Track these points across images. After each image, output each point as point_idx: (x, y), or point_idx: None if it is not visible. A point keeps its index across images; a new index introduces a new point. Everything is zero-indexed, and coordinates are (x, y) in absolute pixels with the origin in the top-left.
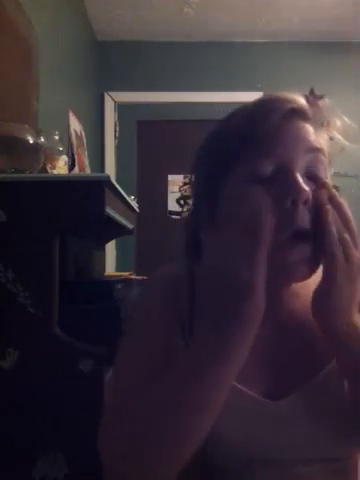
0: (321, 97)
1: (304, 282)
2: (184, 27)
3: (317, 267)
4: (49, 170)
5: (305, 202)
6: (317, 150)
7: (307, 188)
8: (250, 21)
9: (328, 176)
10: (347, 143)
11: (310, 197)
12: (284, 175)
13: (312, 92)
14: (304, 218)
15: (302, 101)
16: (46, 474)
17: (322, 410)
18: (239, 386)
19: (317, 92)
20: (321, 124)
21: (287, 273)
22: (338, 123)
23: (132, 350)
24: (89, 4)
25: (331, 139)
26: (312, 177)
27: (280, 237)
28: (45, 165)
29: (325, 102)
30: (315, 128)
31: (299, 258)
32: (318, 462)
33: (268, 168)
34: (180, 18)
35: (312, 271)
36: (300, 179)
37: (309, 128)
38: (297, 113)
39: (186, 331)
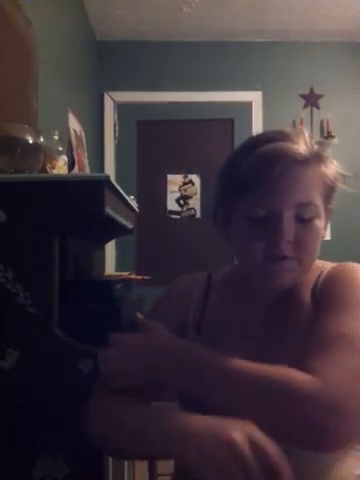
0: (320, 97)
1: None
2: (184, 27)
3: (293, 276)
4: (49, 170)
5: (287, 241)
6: (305, 205)
7: (290, 234)
8: (249, 21)
9: (321, 212)
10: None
11: (292, 238)
12: (274, 219)
13: (312, 92)
14: (285, 250)
15: (302, 151)
16: (46, 474)
17: None
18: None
19: (316, 92)
20: (322, 160)
21: (272, 279)
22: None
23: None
24: (89, 4)
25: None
26: (300, 219)
27: (266, 257)
28: (45, 165)
29: (328, 142)
30: (314, 167)
31: (280, 268)
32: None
33: (261, 212)
34: (180, 18)
35: (290, 277)
36: (287, 225)
37: (305, 176)
38: (296, 162)
39: (194, 329)
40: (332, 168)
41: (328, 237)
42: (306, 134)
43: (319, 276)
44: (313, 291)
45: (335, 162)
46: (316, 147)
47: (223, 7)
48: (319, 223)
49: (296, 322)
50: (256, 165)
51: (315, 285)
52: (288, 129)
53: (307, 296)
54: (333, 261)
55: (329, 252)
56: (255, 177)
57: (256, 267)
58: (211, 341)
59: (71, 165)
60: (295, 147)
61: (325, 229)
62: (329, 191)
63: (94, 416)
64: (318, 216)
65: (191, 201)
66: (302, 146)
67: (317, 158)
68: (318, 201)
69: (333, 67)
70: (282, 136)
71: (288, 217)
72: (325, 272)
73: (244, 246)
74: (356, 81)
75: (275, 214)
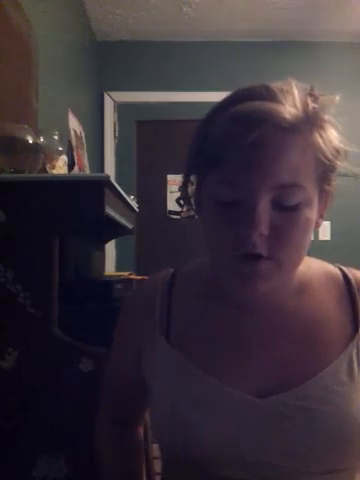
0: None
1: (310, 273)
2: (183, 27)
3: (271, 284)
4: (48, 170)
5: (260, 234)
6: (288, 187)
7: (265, 225)
8: (249, 21)
9: (311, 196)
10: (343, 145)
11: (266, 231)
12: (245, 205)
13: (312, 91)
14: (258, 245)
15: (288, 114)
16: (46, 474)
17: (315, 412)
18: (225, 387)
19: (316, 92)
20: (315, 127)
21: (243, 284)
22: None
23: (110, 367)
24: (88, 4)
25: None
26: (281, 205)
27: (235, 253)
28: (44, 165)
29: (329, 98)
30: (305, 136)
31: (252, 272)
32: (316, 474)
33: (231, 195)
34: (179, 18)
35: (265, 286)
36: (261, 212)
37: (290, 149)
38: (279, 129)
39: (161, 330)
40: (331, 137)
41: (328, 237)
42: (296, 90)
43: (347, 280)
44: (350, 296)
45: (334, 131)
46: (311, 107)
47: (223, 7)
48: (308, 212)
49: (328, 346)
50: (225, 130)
51: (350, 290)
52: (275, 83)
53: (335, 305)
54: (333, 262)
55: (329, 252)
56: (224, 146)
57: (227, 265)
58: (184, 353)
59: (71, 165)
60: (280, 108)
61: (322, 217)
62: (325, 168)
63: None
64: (307, 202)
65: (191, 201)
66: (289, 107)
67: (310, 123)
68: (307, 182)
69: (333, 67)
70: (265, 93)
71: (264, 202)
72: (350, 276)
73: (211, 236)
74: (356, 81)
75: (247, 197)
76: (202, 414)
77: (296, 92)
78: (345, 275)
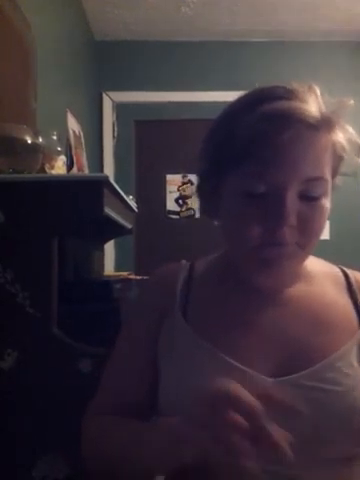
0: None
1: (313, 267)
2: (182, 26)
3: (294, 267)
4: (47, 170)
5: (290, 226)
6: (314, 180)
7: (294, 217)
8: (248, 21)
9: (329, 188)
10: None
11: (295, 222)
12: (275, 198)
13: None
14: (287, 235)
15: (315, 113)
16: (46, 474)
17: (329, 393)
18: (242, 367)
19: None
20: (335, 124)
21: (268, 269)
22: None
23: (119, 350)
24: (87, 4)
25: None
26: (306, 197)
27: (263, 242)
28: (43, 165)
29: (345, 100)
30: (325, 133)
31: (278, 256)
32: (330, 461)
33: (261, 188)
34: (178, 18)
35: (290, 269)
36: (290, 206)
37: (316, 145)
38: (308, 127)
39: (180, 311)
40: (345, 135)
41: (327, 236)
42: (318, 92)
43: (347, 279)
44: (350, 292)
45: (349, 128)
46: (327, 109)
47: (221, 7)
48: (326, 202)
49: (337, 324)
50: (259, 128)
51: (350, 288)
52: (296, 84)
53: (339, 296)
54: (333, 261)
55: (328, 252)
56: (257, 143)
57: (249, 254)
58: (200, 331)
59: (70, 165)
60: (307, 108)
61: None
62: (337, 162)
63: (93, 439)
64: (326, 193)
65: (190, 201)
66: (314, 107)
67: (328, 122)
68: (328, 176)
69: (332, 67)
70: (287, 93)
71: (292, 195)
72: (350, 275)
73: (236, 228)
74: (356, 80)
75: (277, 191)
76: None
77: (318, 92)
78: (344, 272)
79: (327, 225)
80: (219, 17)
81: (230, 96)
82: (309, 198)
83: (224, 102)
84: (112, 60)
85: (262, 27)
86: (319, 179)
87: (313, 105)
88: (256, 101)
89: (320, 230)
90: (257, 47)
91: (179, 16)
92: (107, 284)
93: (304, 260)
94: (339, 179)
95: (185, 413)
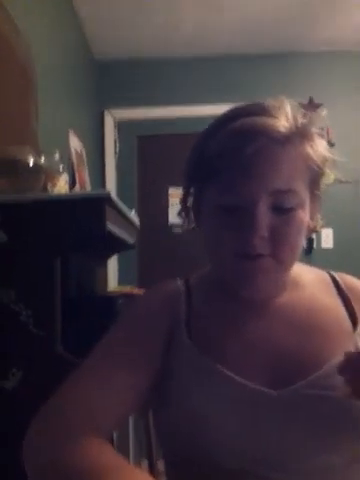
0: (319, 106)
1: (301, 274)
2: (181, 44)
3: (270, 279)
4: (50, 189)
5: (261, 237)
6: (284, 192)
7: (264, 228)
8: (246, 36)
9: (304, 200)
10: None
11: (266, 233)
12: (245, 211)
13: (311, 101)
14: (259, 247)
15: (282, 127)
16: None
17: (329, 398)
18: (237, 378)
19: (316, 101)
20: (305, 138)
21: (245, 280)
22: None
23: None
24: (86, 25)
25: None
26: (278, 209)
27: (237, 254)
28: (46, 184)
29: (317, 114)
30: (297, 146)
31: (253, 268)
32: (337, 466)
33: (232, 201)
34: (177, 35)
35: (266, 281)
36: (261, 217)
37: (284, 158)
38: (274, 141)
39: (183, 334)
40: (320, 148)
41: (330, 245)
42: (288, 106)
43: (335, 282)
44: (341, 295)
45: (323, 141)
46: (300, 122)
47: (221, 25)
48: (301, 213)
49: (331, 332)
50: (225, 144)
51: (339, 290)
52: (268, 101)
53: (329, 300)
54: (336, 269)
55: (332, 260)
56: (224, 158)
57: (227, 266)
58: (202, 348)
59: (72, 183)
60: (273, 122)
61: (313, 219)
62: (315, 175)
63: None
64: (300, 205)
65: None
66: (282, 122)
67: (301, 136)
68: (300, 187)
69: (332, 76)
70: (259, 109)
71: (263, 207)
72: (338, 278)
73: (214, 241)
74: (356, 89)
75: (247, 204)
76: (215, 406)
77: (288, 108)
78: (333, 277)
79: (330, 234)
80: (217, 34)
81: None
82: (282, 210)
83: None
84: (113, 78)
85: (260, 41)
86: (289, 191)
87: (282, 120)
88: (229, 119)
89: (295, 241)
90: (256, 60)
91: (178, 35)
92: (110, 300)
93: (284, 271)
94: (328, 189)
95: (185, 433)
